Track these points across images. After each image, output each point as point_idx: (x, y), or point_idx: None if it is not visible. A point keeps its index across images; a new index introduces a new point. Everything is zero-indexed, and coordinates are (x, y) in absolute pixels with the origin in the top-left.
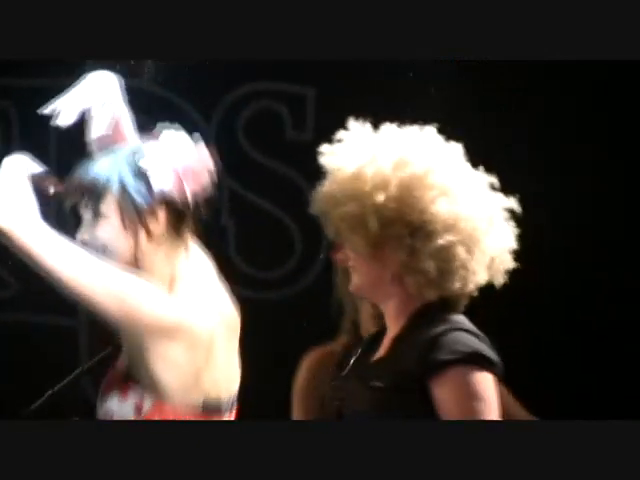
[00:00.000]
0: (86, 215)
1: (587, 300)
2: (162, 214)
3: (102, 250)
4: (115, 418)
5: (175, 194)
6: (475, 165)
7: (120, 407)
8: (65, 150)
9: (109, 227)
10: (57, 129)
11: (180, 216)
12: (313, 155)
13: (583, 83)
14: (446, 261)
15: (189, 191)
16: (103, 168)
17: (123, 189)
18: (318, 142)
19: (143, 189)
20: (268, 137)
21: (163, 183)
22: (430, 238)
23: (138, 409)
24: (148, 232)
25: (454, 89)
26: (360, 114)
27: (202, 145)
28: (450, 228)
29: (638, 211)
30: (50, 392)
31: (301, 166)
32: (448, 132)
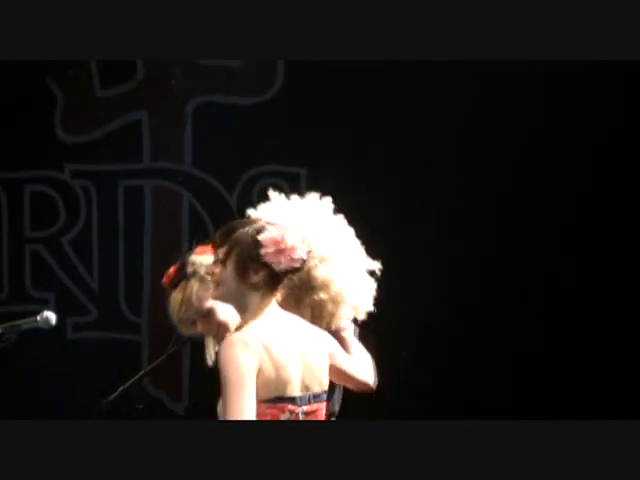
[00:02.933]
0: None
1: (588, 300)
2: (262, 273)
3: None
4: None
5: (275, 262)
6: None
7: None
8: None
9: (220, 267)
10: None
11: (274, 277)
12: None
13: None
14: (317, 311)
15: (285, 262)
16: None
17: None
18: None
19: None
20: None
21: (269, 255)
22: (309, 293)
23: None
24: (250, 282)
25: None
26: None
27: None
28: (325, 288)
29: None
30: (121, 388)
31: None
32: None
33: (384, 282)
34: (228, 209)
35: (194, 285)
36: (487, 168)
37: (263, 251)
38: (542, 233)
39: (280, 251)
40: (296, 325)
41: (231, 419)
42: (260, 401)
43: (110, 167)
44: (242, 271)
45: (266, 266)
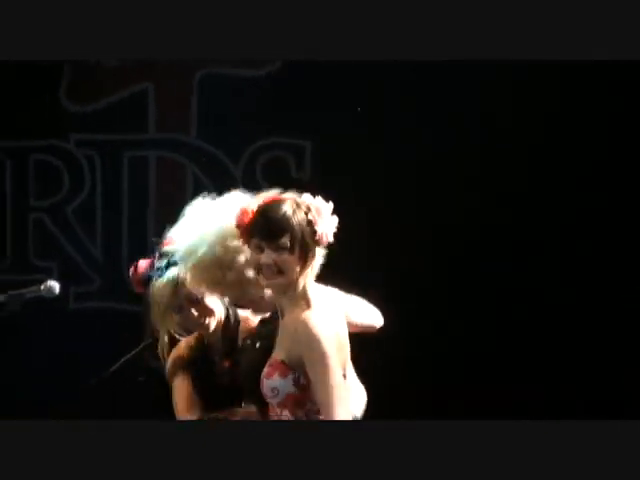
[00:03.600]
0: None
1: (587, 301)
2: (318, 251)
3: (276, 269)
4: (281, 391)
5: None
6: None
7: (282, 382)
8: None
9: (286, 255)
10: None
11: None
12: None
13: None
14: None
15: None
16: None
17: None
18: None
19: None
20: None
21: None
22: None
23: (296, 382)
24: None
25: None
26: None
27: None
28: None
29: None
30: (123, 359)
31: None
32: None
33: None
34: (232, 181)
35: (190, 271)
36: (488, 168)
37: (316, 223)
38: (543, 233)
39: (328, 222)
40: (331, 299)
41: (331, 391)
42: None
43: (115, 137)
44: (305, 247)
45: (319, 238)
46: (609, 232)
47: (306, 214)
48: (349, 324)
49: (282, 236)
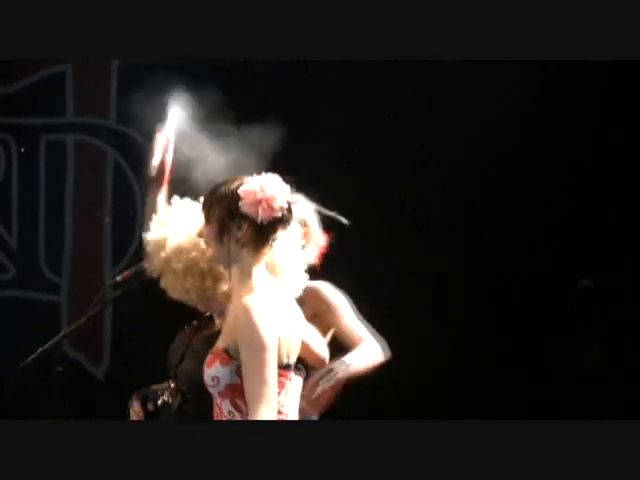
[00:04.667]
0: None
1: (587, 301)
2: (245, 226)
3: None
4: (221, 380)
5: (254, 212)
6: None
7: (223, 371)
8: None
9: (206, 227)
10: None
11: (260, 232)
12: None
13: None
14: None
15: (264, 212)
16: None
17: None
18: None
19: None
20: None
21: (247, 205)
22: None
23: (238, 371)
24: (235, 238)
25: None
26: None
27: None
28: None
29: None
30: (40, 349)
31: None
32: None
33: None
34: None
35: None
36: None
37: (241, 203)
38: (542, 234)
39: (258, 201)
40: (283, 288)
41: (256, 386)
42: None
43: (31, 121)
44: (226, 227)
45: (247, 218)
46: (609, 232)
47: (237, 187)
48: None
49: (203, 208)
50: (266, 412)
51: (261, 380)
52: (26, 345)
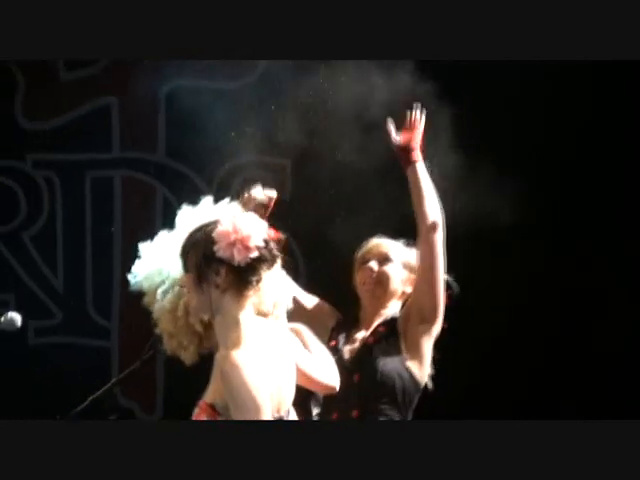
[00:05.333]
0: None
1: (587, 301)
2: (223, 271)
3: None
4: None
5: (229, 255)
6: None
7: None
8: None
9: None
10: None
11: (240, 275)
12: None
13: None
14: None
15: (240, 254)
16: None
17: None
18: None
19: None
20: None
21: (222, 249)
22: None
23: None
24: (215, 284)
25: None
26: None
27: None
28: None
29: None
30: (91, 397)
31: None
32: None
33: None
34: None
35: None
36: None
37: (216, 247)
38: (550, 234)
39: (232, 243)
40: (273, 335)
41: None
42: None
43: (76, 156)
44: (204, 274)
45: (224, 263)
46: (609, 232)
47: (211, 230)
48: (300, 374)
49: (181, 256)
50: None
51: None
52: (75, 393)
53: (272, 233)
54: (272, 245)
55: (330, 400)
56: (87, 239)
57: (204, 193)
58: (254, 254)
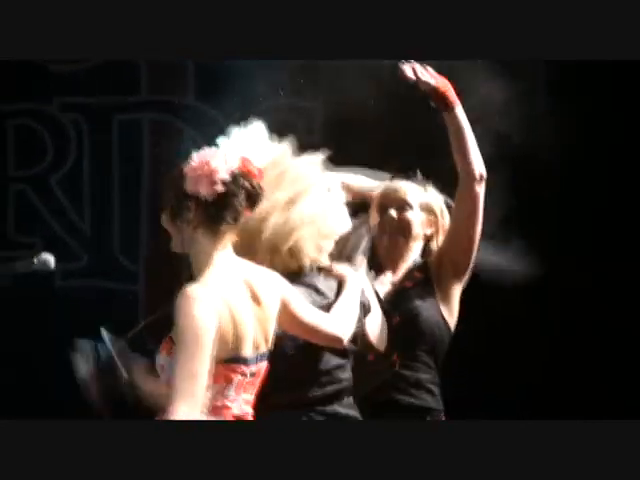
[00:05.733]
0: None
1: (587, 301)
2: (193, 206)
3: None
4: (166, 370)
5: (197, 190)
6: None
7: (168, 360)
8: None
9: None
10: None
11: (212, 211)
12: None
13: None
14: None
15: (206, 188)
16: None
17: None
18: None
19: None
20: None
21: (190, 183)
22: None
23: None
24: (187, 220)
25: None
26: None
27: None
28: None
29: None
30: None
31: None
32: None
33: None
34: None
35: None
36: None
37: (185, 182)
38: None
39: (199, 177)
40: (249, 272)
41: (181, 380)
42: (215, 361)
43: (104, 99)
44: (176, 210)
45: (193, 198)
46: (609, 231)
47: (180, 171)
48: (292, 318)
49: (161, 194)
50: (185, 409)
51: (185, 375)
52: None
53: (252, 167)
54: (244, 179)
55: (368, 341)
56: (114, 182)
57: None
58: (219, 188)
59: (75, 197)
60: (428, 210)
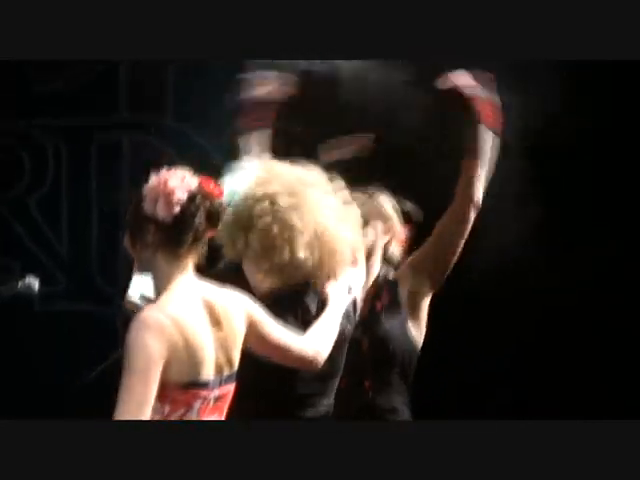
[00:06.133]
0: None
1: (587, 301)
2: (152, 228)
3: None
4: None
5: (154, 211)
6: None
7: None
8: None
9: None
10: None
11: (172, 233)
12: None
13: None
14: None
15: (164, 209)
16: None
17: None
18: None
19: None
20: None
21: (148, 205)
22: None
23: None
24: (145, 243)
25: None
26: None
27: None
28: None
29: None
30: (102, 366)
31: None
32: None
33: None
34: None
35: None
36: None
37: (144, 202)
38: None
39: (156, 198)
40: (211, 294)
41: (125, 408)
42: (172, 386)
43: (83, 120)
44: (137, 233)
45: (152, 220)
46: (609, 231)
47: (140, 191)
48: (261, 338)
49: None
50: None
51: (127, 399)
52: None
53: (212, 187)
54: (203, 199)
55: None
56: (93, 204)
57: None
58: (176, 210)
59: (53, 219)
60: (383, 217)
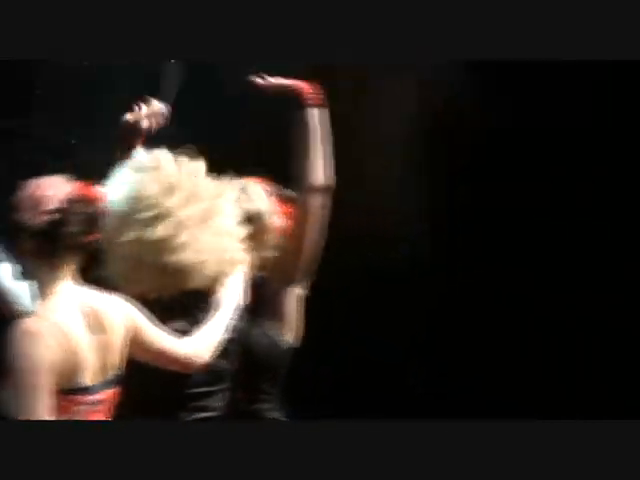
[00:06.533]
0: None
1: (587, 301)
2: (26, 236)
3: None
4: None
5: (26, 221)
6: None
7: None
8: None
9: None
10: None
11: (48, 241)
12: None
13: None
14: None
15: (35, 218)
16: None
17: None
18: None
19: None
20: None
21: (20, 214)
22: None
23: None
24: (22, 251)
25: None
26: None
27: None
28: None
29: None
30: None
31: None
32: None
33: None
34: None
35: None
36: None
37: (16, 212)
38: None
39: (27, 206)
40: (92, 300)
41: (18, 414)
42: (54, 393)
43: None
44: (14, 241)
45: (26, 228)
46: (609, 230)
47: (15, 199)
48: (142, 344)
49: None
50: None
51: (21, 410)
52: None
53: (91, 191)
54: (79, 205)
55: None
56: None
57: None
58: (47, 218)
59: None
60: (254, 217)
